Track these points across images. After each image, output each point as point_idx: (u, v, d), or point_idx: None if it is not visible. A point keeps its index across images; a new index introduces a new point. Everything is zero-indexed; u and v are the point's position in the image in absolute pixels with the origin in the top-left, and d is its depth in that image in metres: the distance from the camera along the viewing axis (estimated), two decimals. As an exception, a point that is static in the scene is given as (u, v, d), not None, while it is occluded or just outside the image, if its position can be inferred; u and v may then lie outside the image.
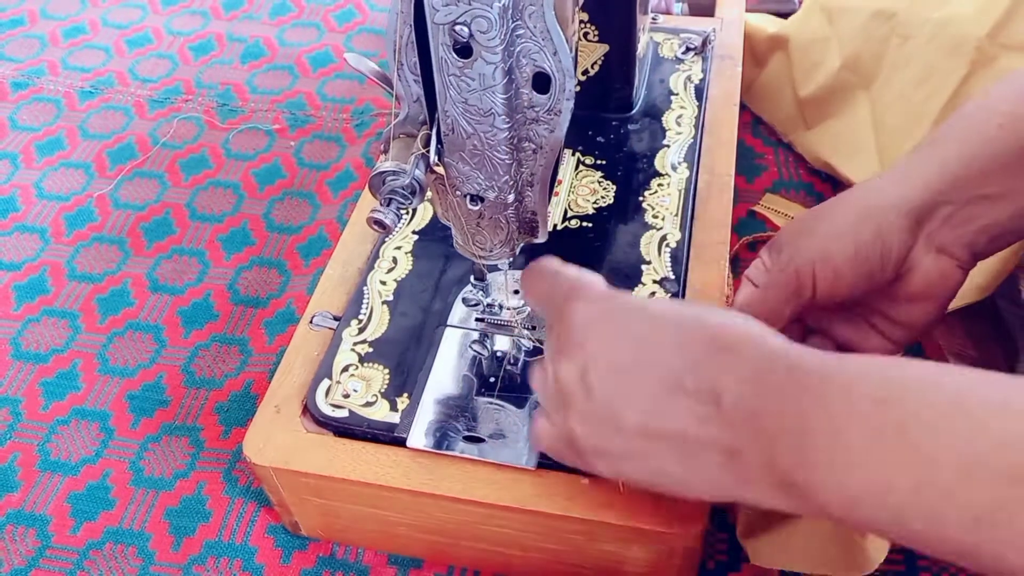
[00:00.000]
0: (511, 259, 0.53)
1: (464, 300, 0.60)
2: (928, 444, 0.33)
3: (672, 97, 0.76)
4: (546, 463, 0.52)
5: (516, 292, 0.61)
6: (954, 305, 0.61)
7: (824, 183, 0.81)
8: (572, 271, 0.48)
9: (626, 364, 0.42)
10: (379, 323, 0.61)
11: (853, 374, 0.37)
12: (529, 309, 0.59)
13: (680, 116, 0.74)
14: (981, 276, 0.61)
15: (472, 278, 0.59)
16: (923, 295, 0.50)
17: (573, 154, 0.71)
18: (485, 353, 0.58)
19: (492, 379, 0.57)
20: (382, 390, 0.57)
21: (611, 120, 0.74)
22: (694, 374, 0.40)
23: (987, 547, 0.32)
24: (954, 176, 0.47)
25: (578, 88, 0.73)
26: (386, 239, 0.66)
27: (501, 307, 0.58)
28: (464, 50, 0.41)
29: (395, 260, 0.65)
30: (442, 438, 0.54)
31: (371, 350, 0.59)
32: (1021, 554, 0.31)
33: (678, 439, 0.41)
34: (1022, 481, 0.31)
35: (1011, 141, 0.46)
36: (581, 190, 0.69)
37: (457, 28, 0.40)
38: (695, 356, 0.41)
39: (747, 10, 0.87)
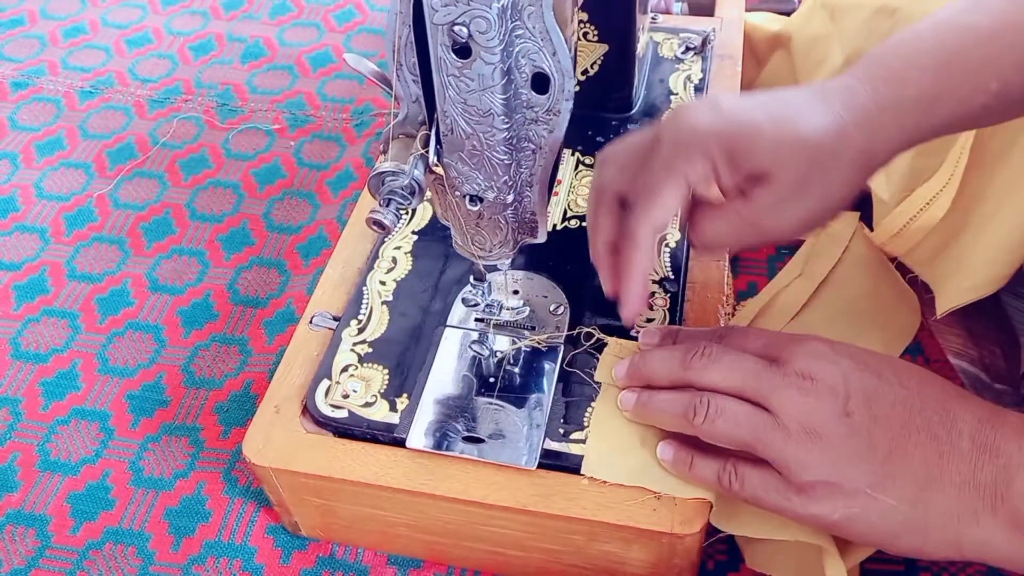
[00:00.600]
0: (510, 259, 0.53)
1: (464, 300, 0.60)
2: None
3: (672, 97, 0.76)
4: (546, 463, 0.52)
5: (516, 292, 0.61)
6: (963, 300, 0.61)
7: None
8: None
9: (880, 395, 0.44)
10: (379, 323, 0.61)
11: None
12: (529, 309, 0.59)
13: (680, 116, 0.74)
14: (990, 269, 0.61)
15: (472, 278, 0.59)
16: None
17: (573, 154, 0.71)
18: (485, 353, 0.58)
19: (492, 379, 0.57)
20: (382, 390, 0.57)
21: (611, 120, 0.74)
22: (937, 413, 0.43)
23: None
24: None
25: (577, 88, 0.73)
26: (385, 239, 0.66)
27: (501, 307, 0.58)
28: (463, 50, 0.41)
29: (395, 260, 0.65)
30: (442, 438, 0.54)
31: (371, 350, 0.59)
32: None
33: (920, 472, 0.42)
34: None
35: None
36: (581, 190, 0.68)
37: (456, 28, 0.40)
38: (937, 397, 0.43)
39: (747, 9, 0.87)
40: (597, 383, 0.56)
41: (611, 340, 0.57)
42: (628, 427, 0.53)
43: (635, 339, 0.57)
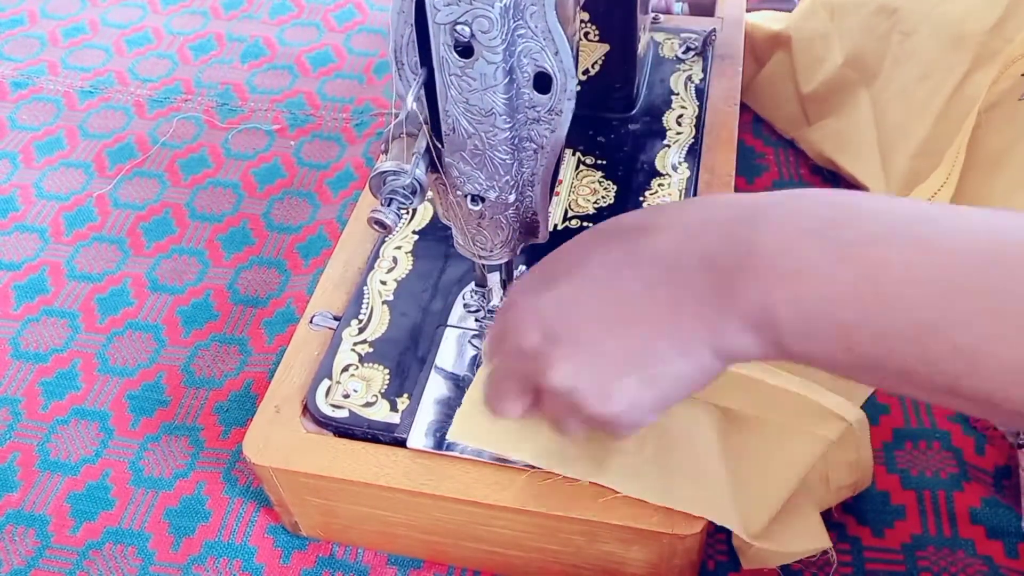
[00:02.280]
0: (512, 259, 0.53)
1: (465, 306, 0.60)
2: (874, 255, 0.34)
3: (673, 97, 0.76)
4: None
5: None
6: None
7: (825, 183, 0.81)
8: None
9: (582, 300, 0.42)
10: (379, 323, 0.61)
11: (800, 197, 0.38)
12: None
13: (681, 116, 0.74)
14: None
15: (474, 283, 0.59)
16: None
17: (574, 154, 0.71)
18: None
19: (492, 379, 0.57)
20: (382, 390, 0.57)
21: (612, 120, 0.74)
22: (634, 247, 0.41)
23: (932, 361, 0.33)
24: None
25: (578, 88, 0.73)
26: (386, 239, 0.66)
27: None
28: (465, 50, 0.41)
29: (395, 260, 0.64)
30: (442, 438, 0.54)
31: (371, 350, 0.59)
32: (964, 366, 0.33)
33: (640, 312, 0.40)
34: (963, 293, 0.33)
35: None
36: (581, 190, 0.68)
37: (458, 28, 0.40)
38: (631, 237, 0.41)
39: (747, 9, 0.87)
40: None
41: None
42: None
43: None
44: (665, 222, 0.41)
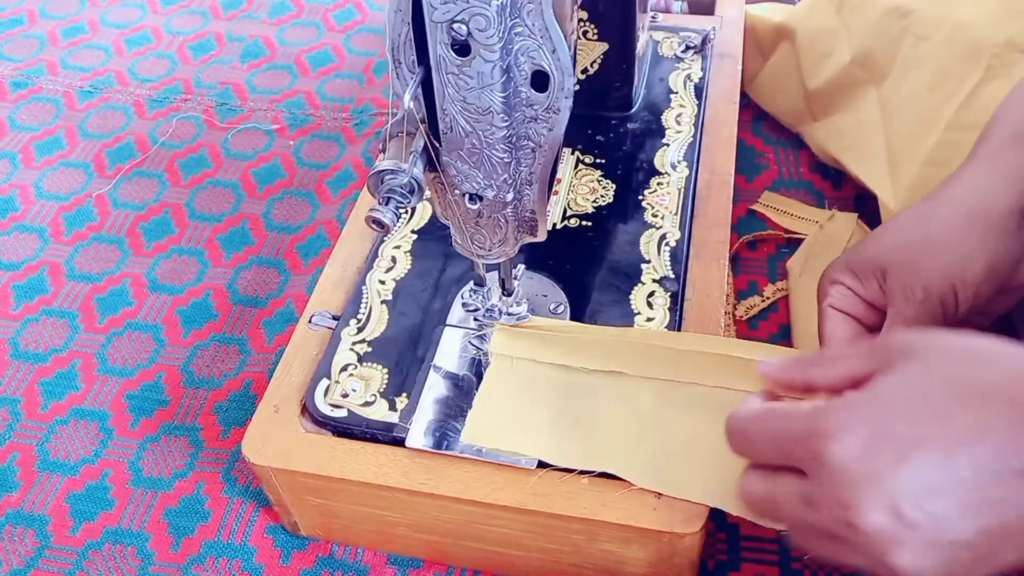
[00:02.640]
0: (510, 258, 0.53)
1: (464, 305, 0.60)
2: None
3: (672, 96, 0.76)
4: (546, 463, 0.52)
5: (508, 294, 0.61)
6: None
7: (824, 181, 0.81)
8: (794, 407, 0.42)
9: (939, 478, 0.36)
10: (378, 322, 0.60)
11: None
12: (529, 308, 0.59)
13: (680, 115, 0.74)
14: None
15: (472, 283, 0.59)
16: (1022, 285, 0.50)
17: (572, 153, 0.71)
18: (484, 349, 0.58)
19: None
20: (381, 390, 0.57)
21: (610, 119, 0.74)
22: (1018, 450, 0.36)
23: None
24: None
25: (577, 87, 0.73)
26: (385, 238, 0.66)
27: (501, 313, 0.58)
28: (463, 48, 0.41)
29: (394, 259, 0.64)
30: (441, 438, 0.54)
31: (370, 350, 0.59)
32: None
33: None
34: None
35: None
36: (580, 189, 0.68)
37: (455, 26, 0.40)
38: (1007, 432, 0.36)
39: (749, 0, 0.87)
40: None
41: (498, 323, 0.58)
42: (513, 398, 0.55)
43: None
44: None
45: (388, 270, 0.64)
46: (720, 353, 0.54)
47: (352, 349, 0.59)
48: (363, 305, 0.61)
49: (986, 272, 0.47)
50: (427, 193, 0.49)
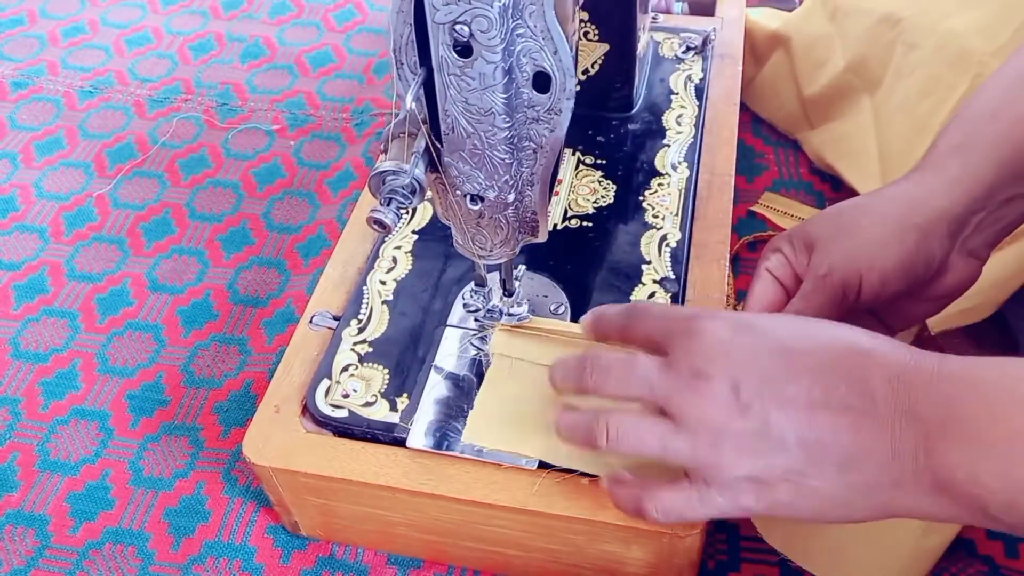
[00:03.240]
0: (511, 258, 0.53)
1: (465, 306, 0.60)
2: None
3: (672, 96, 0.76)
4: (546, 463, 0.52)
5: (509, 294, 0.61)
6: (959, 323, 0.61)
7: (824, 183, 0.81)
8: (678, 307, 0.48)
9: (779, 375, 0.42)
10: (379, 323, 0.61)
11: (1005, 366, 0.38)
12: (529, 308, 0.59)
13: (680, 115, 0.74)
14: (989, 293, 0.61)
15: (473, 283, 0.59)
16: (948, 294, 0.51)
17: (573, 153, 0.71)
18: (485, 349, 0.58)
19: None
20: (382, 390, 0.57)
21: (611, 119, 0.74)
22: (846, 381, 0.40)
23: None
24: (990, 184, 0.48)
25: (578, 88, 0.73)
26: (386, 239, 0.66)
27: (501, 313, 0.58)
28: (464, 49, 0.41)
29: (395, 260, 0.64)
30: (442, 438, 0.54)
31: (371, 350, 0.59)
32: None
33: (836, 451, 0.40)
34: None
35: None
36: (581, 189, 0.68)
37: (457, 27, 0.40)
38: (840, 365, 0.41)
39: (748, 5, 0.87)
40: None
41: (499, 324, 0.58)
42: (513, 399, 0.55)
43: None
44: (878, 362, 0.41)
45: (389, 270, 0.64)
46: None
47: (353, 349, 0.59)
48: (364, 305, 0.62)
49: (897, 266, 0.48)
50: (428, 194, 0.49)
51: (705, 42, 0.80)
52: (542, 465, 0.52)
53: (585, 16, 0.70)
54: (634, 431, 0.44)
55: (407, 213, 0.67)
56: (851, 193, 0.77)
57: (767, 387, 0.42)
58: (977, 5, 0.65)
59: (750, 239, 0.76)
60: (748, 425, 0.41)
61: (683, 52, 0.80)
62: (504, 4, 0.39)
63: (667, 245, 0.64)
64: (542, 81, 0.43)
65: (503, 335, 0.57)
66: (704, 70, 0.79)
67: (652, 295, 0.61)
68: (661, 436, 0.44)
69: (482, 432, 0.54)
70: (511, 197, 0.48)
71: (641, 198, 0.67)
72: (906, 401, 0.39)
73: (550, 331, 0.57)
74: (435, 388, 0.57)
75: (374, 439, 0.55)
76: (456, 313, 0.61)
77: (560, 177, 0.69)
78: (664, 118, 0.74)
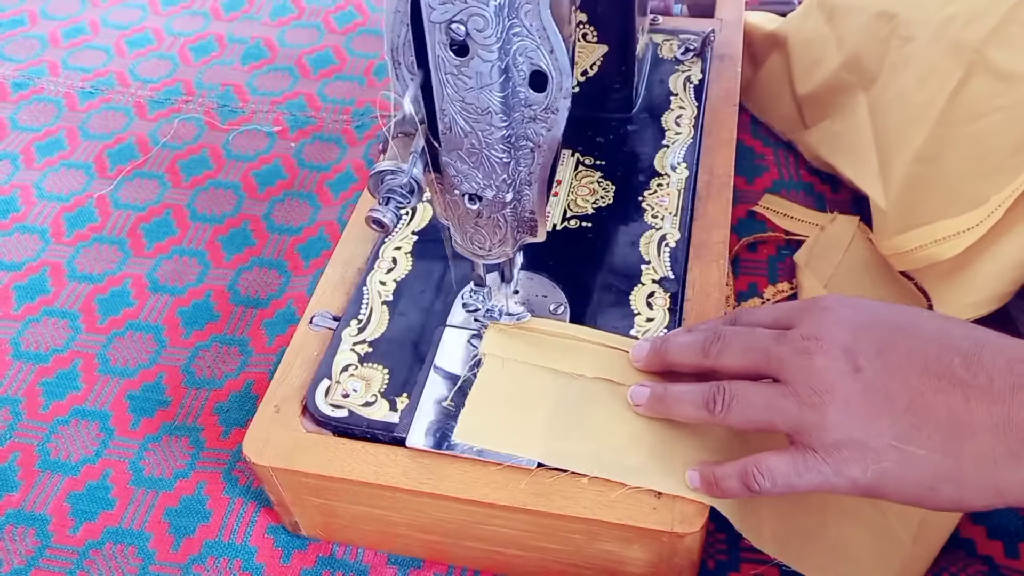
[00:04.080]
0: (510, 258, 0.53)
1: (464, 306, 0.60)
2: None
3: (671, 97, 0.76)
4: (546, 463, 0.52)
5: (516, 292, 0.61)
6: (965, 316, 0.61)
7: (824, 184, 0.81)
8: None
9: (894, 344, 0.42)
10: (379, 323, 0.61)
11: None
12: (529, 310, 0.59)
13: (679, 116, 0.74)
14: (995, 286, 0.61)
15: (473, 283, 0.59)
16: None
17: (572, 154, 0.71)
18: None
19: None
20: (382, 390, 0.57)
21: (610, 120, 0.74)
22: (960, 356, 0.41)
23: None
24: None
25: (577, 89, 0.73)
26: (386, 239, 0.66)
27: (502, 313, 0.58)
28: (461, 48, 0.41)
29: (395, 260, 0.65)
30: (442, 438, 0.54)
31: (371, 350, 0.59)
32: None
33: (947, 419, 0.40)
34: None
35: None
36: (580, 190, 0.69)
37: (454, 26, 0.40)
38: (959, 342, 0.41)
39: (747, 8, 0.87)
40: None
41: (492, 324, 0.58)
42: (505, 399, 0.55)
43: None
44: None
45: (389, 271, 0.64)
46: None
47: (353, 350, 0.59)
48: (364, 306, 0.62)
49: None
50: (427, 194, 0.49)
51: (704, 43, 0.80)
52: (542, 465, 0.52)
53: (584, 17, 0.70)
54: (746, 396, 0.46)
55: (406, 213, 0.67)
56: (851, 194, 0.77)
57: (880, 353, 0.42)
58: None
59: (750, 240, 0.76)
60: (856, 387, 0.42)
61: (682, 53, 0.80)
62: (500, 3, 0.39)
63: (666, 245, 0.64)
64: (539, 80, 0.43)
65: (495, 334, 0.58)
66: (703, 71, 0.79)
67: (651, 295, 0.61)
68: (769, 398, 0.44)
69: (473, 431, 0.54)
70: (509, 196, 0.48)
71: (640, 199, 0.67)
72: (1022, 376, 0.39)
73: (543, 331, 0.58)
74: (435, 388, 0.57)
75: (374, 439, 0.55)
76: (456, 314, 0.61)
77: (559, 178, 0.69)
78: (663, 119, 0.74)
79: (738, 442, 0.53)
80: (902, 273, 0.70)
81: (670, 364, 0.52)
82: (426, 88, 0.44)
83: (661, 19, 0.84)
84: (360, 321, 0.61)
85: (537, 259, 0.62)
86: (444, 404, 0.56)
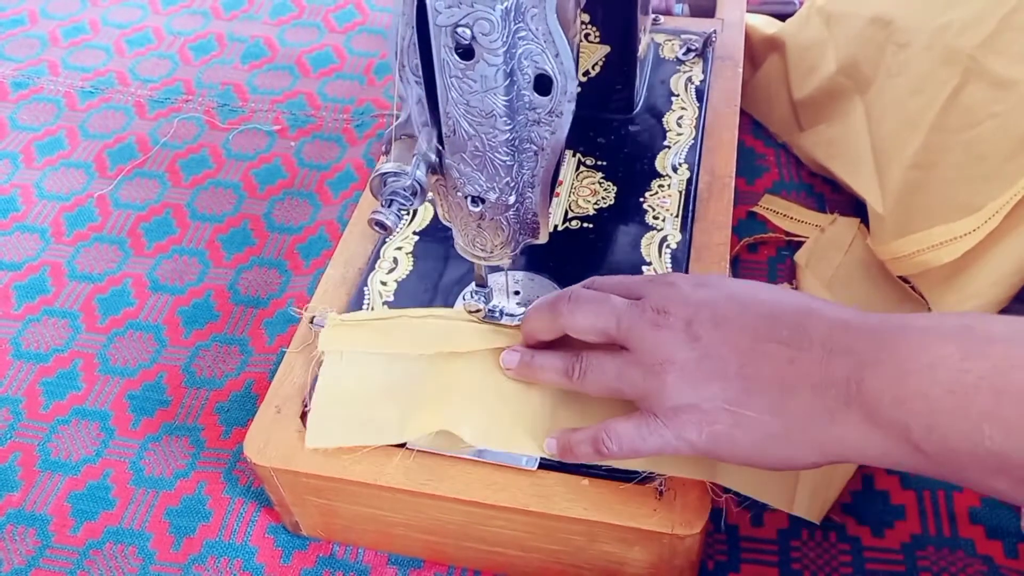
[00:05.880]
0: (512, 260, 0.54)
1: (465, 306, 0.60)
2: (1003, 351, 0.37)
3: (673, 98, 0.76)
4: (546, 463, 0.52)
5: (517, 293, 0.61)
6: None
7: (824, 184, 0.81)
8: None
9: (730, 316, 0.45)
10: (380, 324, 0.61)
11: (940, 316, 0.41)
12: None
13: (681, 117, 0.74)
14: (993, 291, 0.61)
15: (474, 284, 0.59)
16: None
17: (574, 155, 0.71)
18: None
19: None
20: (382, 390, 0.57)
21: (612, 121, 0.74)
22: (788, 324, 0.44)
23: None
24: None
25: (578, 89, 0.73)
26: (387, 240, 0.66)
27: (502, 313, 0.58)
28: (466, 52, 0.41)
29: (396, 261, 0.65)
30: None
31: (372, 351, 0.59)
32: None
33: (772, 380, 0.43)
34: None
35: None
36: (582, 191, 0.69)
37: (459, 30, 0.40)
38: (789, 312, 0.44)
39: (749, 11, 0.87)
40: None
41: (331, 315, 0.59)
42: (351, 392, 0.55)
43: None
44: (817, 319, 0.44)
45: (390, 271, 0.64)
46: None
47: (354, 350, 0.59)
48: (365, 306, 0.62)
49: None
50: (429, 195, 0.50)
51: (706, 44, 0.80)
52: (542, 466, 0.52)
53: (586, 18, 0.70)
54: (600, 364, 0.49)
55: (408, 215, 0.67)
56: (851, 194, 0.78)
57: (717, 324, 0.45)
58: (965, 2, 0.65)
59: (750, 241, 0.76)
60: (693, 355, 0.45)
61: (684, 54, 0.80)
62: (506, 7, 0.39)
63: (667, 246, 0.64)
64: (543, 83, 0.43)
65: (330, 330, 0.58)
66: (705, 72, 0.79)
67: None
68: (619, 366, 0.48)
69: (325, 434, 0.54)
70: (512, 199, 0.48)
71: (642, 199, 0.67)
72: (843, 341, 0.42)
73: (382, 316, 0.58)
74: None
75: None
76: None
77: (561, 179, 0.69)
78: (665, 120, 0.74)
79: (597, 409, 0.53)
80: (900, 277, 0.70)
81: (530, 334, 0.54)
82: (430, 91, 0.44)
83: (663, 19, 0.84)
84: (361, 322, 0.61)
85: (538, 260, 0.63)
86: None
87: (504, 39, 0.40)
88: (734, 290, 0.47)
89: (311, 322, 0.61)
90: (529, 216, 0.50)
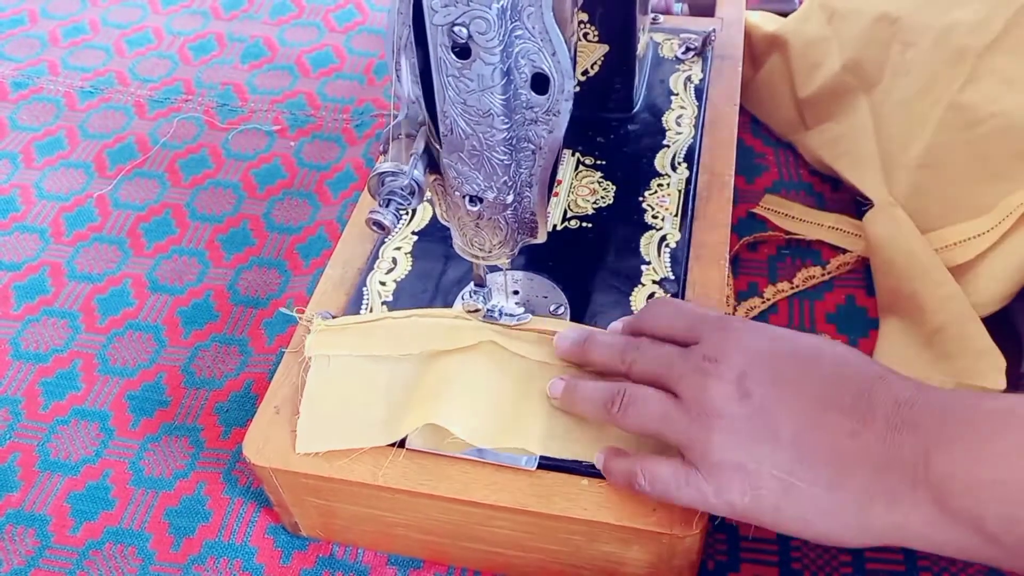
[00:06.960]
0: (510, 260, 0.53)
1: (464, 306, 0.60)
2: None
3: (672, 97, 0.76)
4: (546, 463, 0.52)
5: (516, 292, 0.61)
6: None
7: (824, 183, 0.81)
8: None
9: (787, 376, 0.43)
10: (378, 323, 0.61)
11: (1010, 397, 0.38)
12: (528, 311, 0.59)
13: (680, 116, 0.74)
14: (995, 288, 0.61)
15: (472, 284, 0.59)
16: None
17: (573, 154, 0.71)
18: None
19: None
20: (381, 390, 0.57)
21: (611, 120, 0.74)
22: (851, 393, 0.41)
23: None
24: None
25: (577, 88, 0.73)
26: (386, 240, 0.66)
27: (501, 313, 0.58)
28: (463, 51, 0.41)
29: (395, 261, 0.65)
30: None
31: (370, 350, 0.59)
32: None
33: (829, 454, 0.41)
34: None
35: None
36: (581, 190, 0.69)
37: (456, 29, 0.40)
38: (849, 379, 0.42)
39: (748, 7, 0.87)
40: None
41: (316, 319, 0.59)
42: (339, 396, 0.55)
43: None
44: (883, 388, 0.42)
45: (389, 271, 0.64)
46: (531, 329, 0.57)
47: (352, 350, 0.59)
48: (364, 306, 0.62)
49: None
50: (428, 195, 0.49)
51: (705, 43, 0.80)
52: (541, 466, 0.52)
53: (585, 17, 0.70)
54: (643, 401, 0.47)
55: (406, 214, 0.67)
56: (852, 194, 0.77)
57: (772, 382, 0.43)
58: (972, 1, 0.65)
59: (750, 240, 0.76)
60: (742, 412, 0.43)
61: (683, 53, 0.80)
62: (502, 6, 0.39)
63: (667, 246, 0.64)
64: (540, 82, 0.43)
65: (317, 335, 0.58)
66: (704, 71, 0.79)
67: (652, 295, 0.61)
68: (664, 409, 0.46)
69: (315, 439, 0.54)
70: (510, 198, 0.48)
71: (641, 199, 0.67)
72: (909, 418, 0.39)
73: (368, 319, 0.59)
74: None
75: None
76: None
77: (560, 178, 0.69)
78: (664, 119, 0.74)
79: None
80: None
81: (589, 362, 0.53)
82: (427, 90, 0.44)
83: (662, 18, 0.84)
84: (360, 322, 0.61)
85: (537, 259, 0.63)
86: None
87: (501, 38, 0.40)
88: (797, 344, 0.45)
89: (308, 323, 0.61)
90: (527, 215, 0.50)
